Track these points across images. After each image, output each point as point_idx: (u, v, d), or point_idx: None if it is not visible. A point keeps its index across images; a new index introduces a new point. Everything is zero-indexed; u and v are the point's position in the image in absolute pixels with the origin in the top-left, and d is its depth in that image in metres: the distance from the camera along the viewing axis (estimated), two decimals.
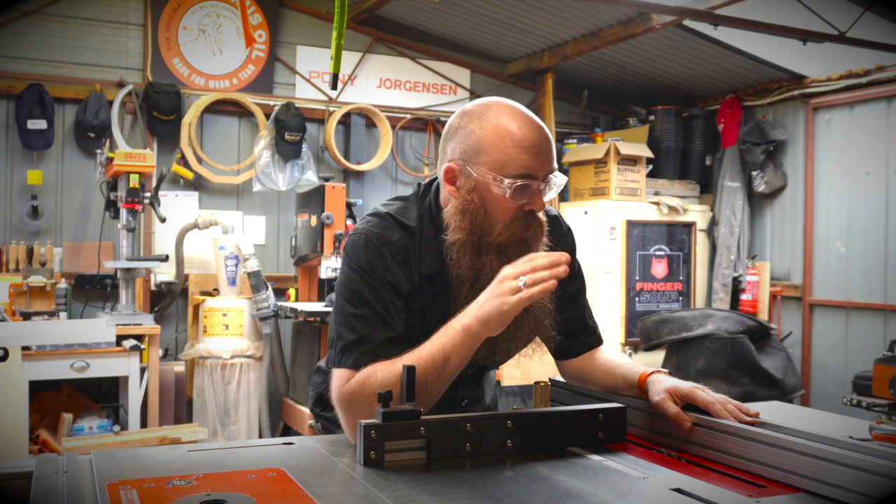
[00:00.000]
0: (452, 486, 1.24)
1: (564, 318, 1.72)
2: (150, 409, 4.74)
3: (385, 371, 1.49)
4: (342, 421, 1.54)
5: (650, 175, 6.22)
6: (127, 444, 3.91)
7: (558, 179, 1.56)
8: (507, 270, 1.45)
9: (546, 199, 1.57)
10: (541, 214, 1.60)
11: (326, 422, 1.96)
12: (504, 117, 1.53)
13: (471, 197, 1.55)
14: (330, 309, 2.08)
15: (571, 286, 1.79)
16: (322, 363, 2.00)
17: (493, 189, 1.52)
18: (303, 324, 5.06)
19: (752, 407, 1.53)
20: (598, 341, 1.83)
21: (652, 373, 1.62)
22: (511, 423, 1.45)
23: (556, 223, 1.82)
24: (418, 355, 1.48)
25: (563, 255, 1.46)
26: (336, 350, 1.56)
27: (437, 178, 1.68)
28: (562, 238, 1.81)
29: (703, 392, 1.53)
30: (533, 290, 1.42)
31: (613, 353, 1.80)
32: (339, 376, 1.54)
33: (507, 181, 1.51)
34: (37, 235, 5.29)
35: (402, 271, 1.59)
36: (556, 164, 1.57)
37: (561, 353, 1.82)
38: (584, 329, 1.83)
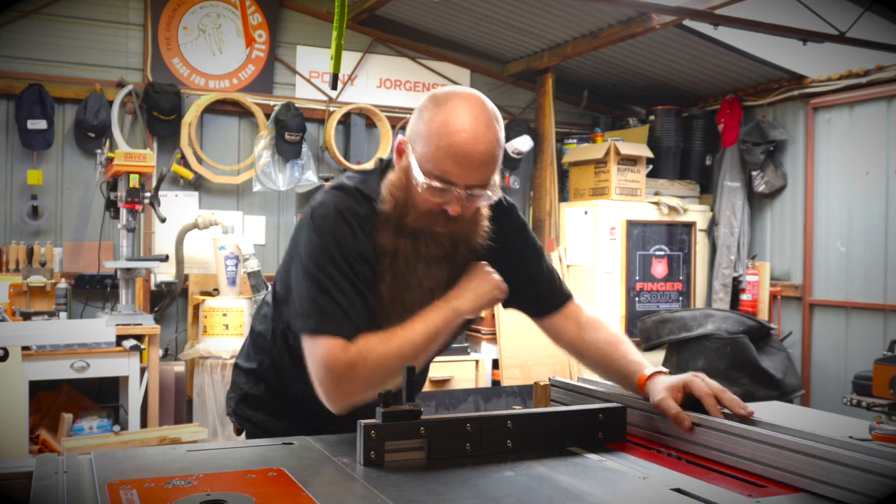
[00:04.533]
0: (452, 486, 1.24)
1: (533, 279, 1.83)
2: (150, 409, 4.74)
3: (384, 346, 1.52)
4: (335, 389, 1.52)
5: (650, 175, 6.22)
6: (127, 444, 3.91)
7: (485, 194, 1.54)
8: (488, 268, 1.63)
9: (470, 207, 1.56)
10: (477, 217, 1.61)
11: (251, 425, 1.89)
12: (453, 117, 1.50)
13: (402, 175, 1.58)
14: None
15: (531, 253, 1.86)
16: (241, 361, 1.94)
17: (416, 174, 1.54)
18: None
19: (752, 407, 1.53)
20: (568, 296, 1.89)
21: (652, 375, 1.63)
22: (511, 423, 1.45)
23: (499, 205, 1.76)
24: (413, 334, 1.54)
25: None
26: (318, 319, 1.52)
27: None
28: (504, 218, 1.79)
29: (700, 381, 1.55)
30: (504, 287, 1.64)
31: (611, 334, 1.82)
32: (330, 346, 1.50)
33: (422, 177, 1.52)
34: (37, 235, 5.29)
35: (370, 242, 1.59)
36: (489, 180, 1.53)
37: (536, 312, 1.89)
38: (552, 286, 1.88)
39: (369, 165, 1.84)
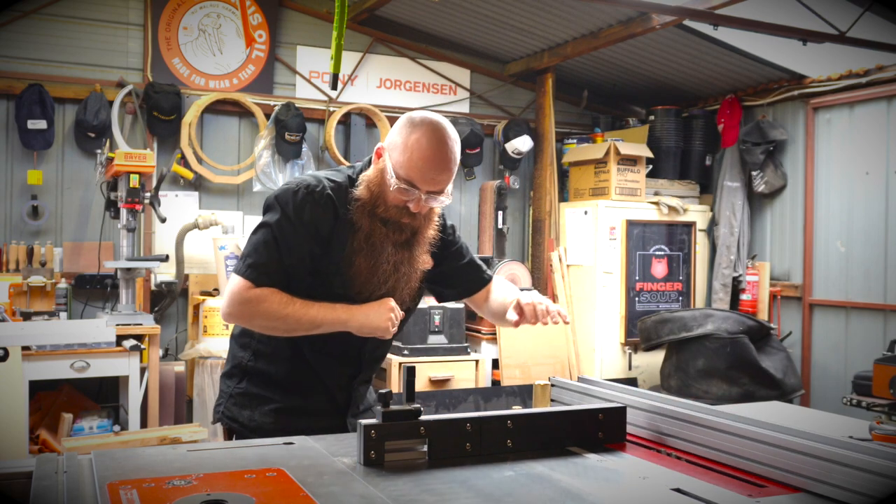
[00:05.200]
0: (452, 486, 1.24)
1: (460, 266, 2.25)
2: (150, 409, 4.74)
3: (278, 306, 1.90)
4: (228, 311, 1.94)
5: (650, 175, 6.22)
6: (127, 444, 3.91)
7: (439, 199, 1.96)
8: (393, 304, 1.96)
9: (427, 206, 1.97)
10: (431, 214, 2.03)
11: (238, 425, 2.05)
12: (424, 138, 1.91)
13: (378, 174, 1.97)
14: None
15: (459, 253, 2.27)
16: (225, 368, 2.17)
17: (389, 177, 1.94)
18: None
19: (751, 407, 1.53)
20: (489, 277, 2.32)
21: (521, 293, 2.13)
22: (511, 423, 1.45)
23: (443, 220, 2.22)
24: (304, 314, 1.92)
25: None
26: (243, 263, 1.94)
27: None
28: (444, 228, 2.22)
29: (527, 295, 2.07)
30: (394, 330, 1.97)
31: (502, 285, 2.32)
32: (238, 283, 1.92)
33: (394, 180, 1.92)
34: (37, 235, 5.29)
35: (323, 213, 1.95)
36: (444, 189, 1.95)
37: (467, 293, 2.30)
38: (477, 270, 2.30)
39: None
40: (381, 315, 1.94)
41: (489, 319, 2.34)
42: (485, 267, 2.36)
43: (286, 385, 2.05)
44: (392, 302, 1.96)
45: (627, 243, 5.90)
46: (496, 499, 1.19)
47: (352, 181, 2.02)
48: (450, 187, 1.98)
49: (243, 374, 2.08)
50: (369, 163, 2.06)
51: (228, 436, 2.09)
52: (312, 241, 1.94)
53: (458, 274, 2.26)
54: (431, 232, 2.07)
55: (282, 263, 1.93)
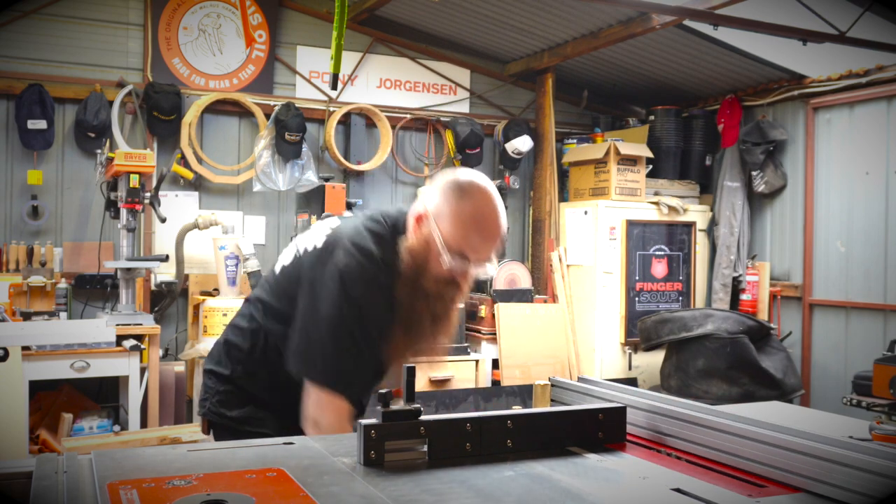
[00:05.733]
0: (452, 486, 1.24)
1: None
2: (150, 409, 4.74)
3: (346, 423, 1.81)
4: (324, 426, 1.80)
5: (650, 175, 6.22)
6: (127, 444, 3.91)
7: (488, 268, 1.89)
8: None
9: (477, 277, 1.92)
10: (465, 285, 1.93)
11: (230, 420, 2.02)
12: (477, 208, 1.83)
13: (422, 244, 1.86)
14: None
15: None
16: (215, 368, 2.08)
17: (438, 250, 1.83)
18: None
19: (751, 407, 1.53)
20: None
21: None
22: (511, 423, 1.45)
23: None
24: None
25: None
26: (333, 376, 1.82)
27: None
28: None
29: None
30: None
31: None
32: (339, 406, 1.82)
33: (446, 253, 1.82)
34: (37, 235, 5.29)
35: (384, 301, 1.86)
36: (493, 256, 1.89)
37: None
38: None
39: (363, 218, 2.07)
40: None
41: None
42: None
43: (271, 408, 2.03)
44: None
45: (627, 243, 5.90)
46: (496, 499, 1.19)
47: (394, 245, 1.90)
48: (495, 259, 1.93)
49: (231, 382, 2.05)
50: (402, 223, 1.94)
51: (209, 429, 2.10)
52: (375, 325, 1.86)
53: None
54: (466, 295, 2.01)
55: (358, 363, 1.85)
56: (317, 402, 1.82)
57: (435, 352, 1.98)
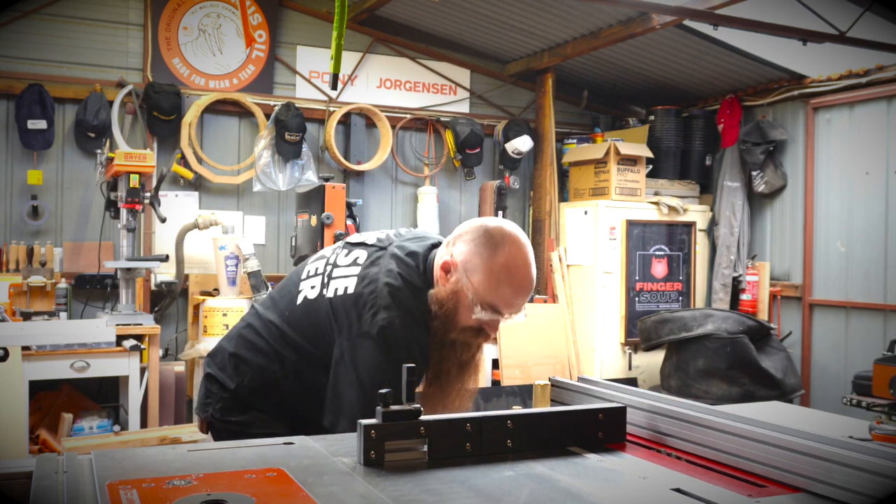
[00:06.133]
0: (452, 486, 1.24)
1: None
2: (150, 409, 4.74)
3: None
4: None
5: (650, 175, 6.22)
6: (127, 444, 3.91)
7: (518, 317, 1.87)
8: None
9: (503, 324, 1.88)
10: (493, 334, 1.90)
11: (234, 425, 1.99)
12: (511, 260, 1.79)
13: (451, 293, 1.82)
14: None
15: None
16: (219, 374, 2.04)
17: (468, 302, 1.81)
18: None
19: (751, 407, 1.53)
20: None
21: None
22: (511, 423, 1.45)
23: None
24: None
25: None
26: (351, 408, 1.77)
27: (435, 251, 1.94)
28: None
29: None
30: None
31: None
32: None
33: (479, 307, 1.80)
34: (37, 235, 5.29)
35: (422, 352, 1.84)
36: (524, 306, 1.86)
37: None
38: None
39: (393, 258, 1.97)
40: None
41: None
42: None
43: (276, 416, 1.99)
44: None
45: (627, 243, 5.90)
46: (496, 499, 1.18)
47: (426, 289, 1.86)
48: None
49: (233, 394, 2.01)
50: (430, 266, 1.90)
51: (207, 430, 2.09)
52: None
53: None
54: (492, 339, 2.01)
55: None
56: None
57: (463, 399, 1.93)
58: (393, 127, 6.17)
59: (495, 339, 1.96)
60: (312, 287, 1.94)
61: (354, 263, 1.91)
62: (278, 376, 1.94)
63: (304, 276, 2.00)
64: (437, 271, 1.86)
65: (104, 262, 5.12)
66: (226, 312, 5.08)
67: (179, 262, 5.46)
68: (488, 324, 1.84)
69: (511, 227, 1.85)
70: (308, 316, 1.91)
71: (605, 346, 5.88)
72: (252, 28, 5.87)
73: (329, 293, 1.88)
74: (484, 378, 5.58)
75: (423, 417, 1.37)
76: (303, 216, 5.50)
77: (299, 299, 1.95)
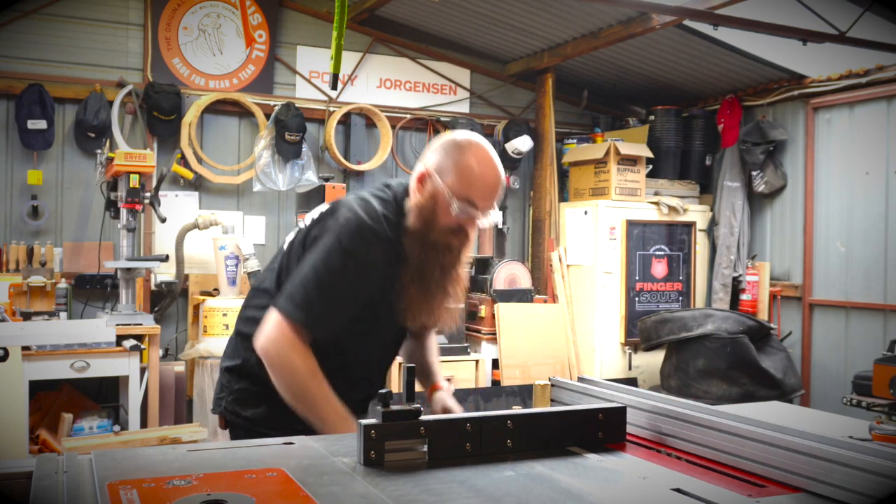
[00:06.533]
0: (452, 486, 1.24)
1: None
2: (150, 409, 4.74)
3: (305, 372, 1.87)
4: (263, 348, 1.88)
5: (650, 175, 6.22)
6: (127, 444, 3.91)
7: (493, 216, 1.99)
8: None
9: (481, 225, 1.99)
10: (471, 233, 2.01)
11: (244, 420, 2.04)
12: (478, 158, 1.93)
13: (428, 197, 1.95)
14: None
15: None
16: (226, 362, 2.13)
17: (445, 201, 1.93)
18: None
19: (751, 407, 1.53)
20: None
21: (436, 387, 2.24)
22: (511, 423, 1.45)
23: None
24: (317, 397, 1.88)
25: None
26: (297, 301, 1.87)
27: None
28: None
29: (448, 405, 2.18)
30: None
31: (433, 342, 2.34)
32: (286, 326, 1.87)
33: (455, 202, 1.91)
34: (37, 235, 5.29)
35: (383, 257, 1.94)
36: (496, 204, 1.99)
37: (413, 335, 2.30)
38: None
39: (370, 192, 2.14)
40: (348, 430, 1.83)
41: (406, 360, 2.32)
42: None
43: (286, 404, 1.99)
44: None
45: (627, 243, 5.90)
46: (496, 499, 1.19)
47: (398, 207, 2.00)
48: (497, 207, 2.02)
49: (246, 375, 2.05)
50: (403, 189, 2.04)
51: (225, 426, 2.09)
52: (371, 284, 1.94)
53: None
54: (471, 248, 2.10)
55: (335, 314, 1.91)
56: (273, 322, 1.88)
57: (449, 314, 2.06)
58: (393, 127, 6.17)
59: (471, 241, 2.04)
60: (293, 232, 2.12)
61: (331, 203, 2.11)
62: None
63: (286, 242, 2.13)
64: (413, 185, 1.99)
65: (104, 262, 5.12)
66: (226, 312, 5.08)
67: (179, 262, 5.46)
68: (466, 221, 1.94)
69: (476, 135, 2.00)
70: (290, 257, 2.03)
71: (605, 346, 5.88)
72: (252, 28, 5.87)
73: (305, 225, 2.07)
74: (484, 378, 5.59)
75: (423, 417, 1.37)
76: (303, 216, 5.49)
77: (285, 246, 2.10)
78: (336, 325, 1.92)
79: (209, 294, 5.42)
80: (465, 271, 2.08)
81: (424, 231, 1.95)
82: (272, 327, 1.88)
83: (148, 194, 4.93)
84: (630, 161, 5.99)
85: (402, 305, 1.99)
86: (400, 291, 1.97)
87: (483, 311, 5.76)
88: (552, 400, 1.83)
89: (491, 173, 1.94)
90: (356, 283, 1.91)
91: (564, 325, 5.89)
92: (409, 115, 6.30)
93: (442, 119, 6.39)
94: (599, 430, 1.53)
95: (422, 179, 1.97)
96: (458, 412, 2.01)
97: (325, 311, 1.89)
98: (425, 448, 1.37)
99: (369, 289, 1.95)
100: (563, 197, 6.47)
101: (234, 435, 2.07)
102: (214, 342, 5.04)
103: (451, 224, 1.95)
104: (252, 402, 2.03)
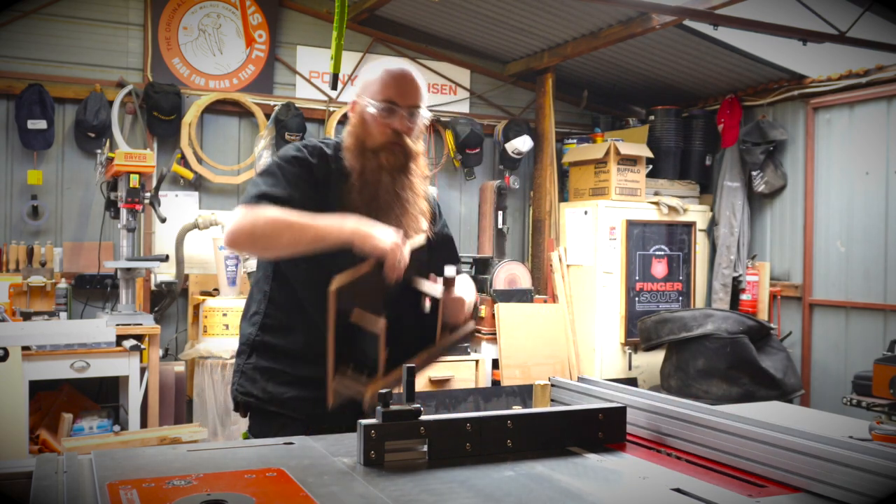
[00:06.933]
0: (452, 486, 1.24)
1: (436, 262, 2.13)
2: (150, 409, 4.74)
3: (280, 212, 1.88)
4: (227, 236, 1.92)
5: (650, 175, 6.22)
6: (127, 444, 3.91)
7: (419, 113, 2.05)
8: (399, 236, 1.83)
9: (412, 124, 2.04)
10: (410, 140, 2.06)
11: (254, 400, 2.04)
12: (389, 67, 2.06)
13: (358, 117, 2.06)
14: None
15: (451, 258, 2.25)
16: (237, 350, 2.15)
17: (369, 109, 2.02)
18: None
19: (751, 407, 1.53)
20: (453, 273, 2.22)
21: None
22: (511, 423, 1.45)
23: (438, 213, 2.31)
24: (309, 217, 1.86)
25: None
26: (247, 196, 1.97)
27: None
28: (439, 223, 2.28)
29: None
30: (399, 265, 1.80)
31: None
32: (239, 208, 1.94)
33: (375, 103, 2.01)
34: (37, 235, 5.29)
35: (320, 162, 2.04)
36: (420, 103, 2.05)
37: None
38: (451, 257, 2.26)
39: None
40: (387, 232, 1.82)
41: None
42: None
43: (295, 356, 2.04)
44: (399, 235, 1.86)
45: (627, 243, 5.90)
46: (496, 499, 1.19)
47: (338, 142, 2.11)
48: (425, 109, 2.09)
49: (252, 350, 2.08)
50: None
51: (245, 412, 2.09)
52: (308, 184, 1.99)
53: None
54: (424, 168, 2.14)
55: (286, 191, 1.96)
56: (234, 215, 1.94)
57: (405, 220, 2.04)
58: None
59: (407, 133, 2.06)
60: None
61: None
62: (274, 294, 2.08)
63: None
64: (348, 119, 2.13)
65: (104, 262, 5.12)
66: (226, 312, 5.08)
67: (179, 262, 5.46)
68: (392, 120, 2.01)
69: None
70: None
71: (605, 346, 5.88)
72: (252, 28, 5.87)
73: None
74: (484, 378, 5.59)
75: (423, 417, 1.37)
76: None
77: None
78: (289, 199, 1.93)
79: (209, 294, 5.42)
80: (421, 183, 2.11)
81: (360, 144, 2.03)
82: (232, 221, 1.92)
83: (148, 194, 4.93)
84: (630, 161, 5.99)
85: (352, 205, 1.99)
86: (347, 201, 1.99)
87: (483, 311, 5.76)
88: (552, 400, 1.83)
89: (402, 73, 2.05)
90: (292, 174, 1.99)
91: (564, 325, 5.89)
92: None
93: (442, 119, 6.39)
94: (599, 430, 1.53)
95: (352, 107, 2.09)
96: (473, 298, 1.98)
97: (272, 188, 1.95)
98: (425, 448, 1.37)
99: (307, 186, 1.99)
100: (563, 197, 6.47)
101: (252, 420, 2.08)
102: (214, 342, 5.05)
103: (381, 128, 2.02)
104: (260, 378, 2.05)
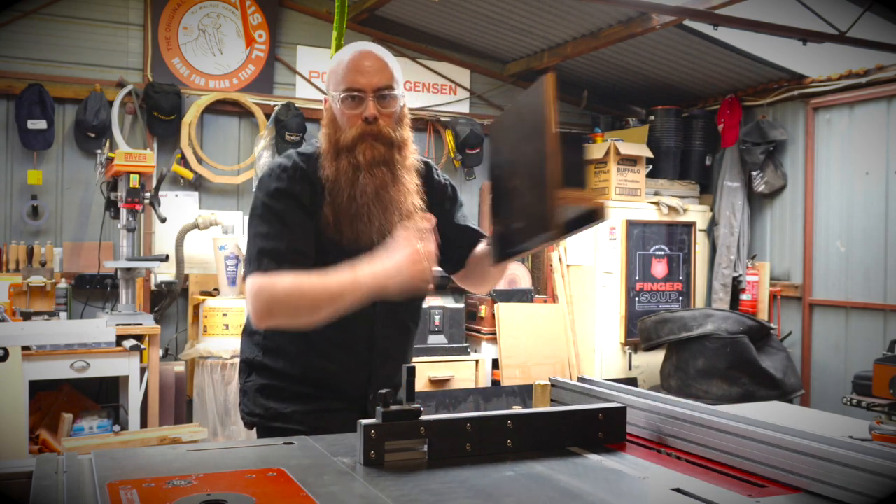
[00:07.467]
0: (452, 486, 1.24)
1: (461, 232, 2.09)
2: (150, 409, 4.74)
3: (291, 280, 1.78)
4: (253, 316, 1.81)
5: (650, 175, 6.22)
6: (127, 444, 3.91)
7: (391, 95, 1.88)
8: (415, 249, 1.70)
9: (385, 109, 1.88)
10: (387, 128, 1.89)
11: (258, 418, 2.00)
12: (347, 51, 1.89)
13: (330, 114, 1.93)
14: None
15: (453, 205, 2.14)
16: (240, 363, 2.11)
17: (335, 104, 1.89)
18: None
19: (751, 407, 1.53)
20: (481, 235, 2.09)
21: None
22: (511, 423, 1.45)
23: (429, 170, 2.12)
24: (321, 278, 1.76)
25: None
26: (251, 257, 1.85)
27: None
28: (431, 181, 2.11)
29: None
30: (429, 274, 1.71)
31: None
32: (251, 281, 1.82)
33: (338, 95, 1.87)
34: (37, 235, 5.29)
35: (302, 186, 1.89)
36: (390, 83, 1.88)
37: (464, 262, 2.10)
38: (477, 234, 2.10)
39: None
40: (403, 251, 1.70)
41: (473, 283, 2.14)
42: (475, 226, 2.16)
43: (294, 378, 1.98)
44: (408, 237, 1.74)
45: (627, 243, 5.90)
46: (496, 499, 1.19)
47: (316, 149, 1.98)
48: (398, 87, 1.91)
49: (251, 369, 2.04)
50: None
51: (250, 429, 2.06)
52: (298, 210, 1.87)
53: (451, 236, 2.04)
54: (413, 156, 1.97)
55: (288, 243, 1.84)
56: (248, 290, 1.84)
57: (408, 208, 1.94)
58: None
59: (376, 118, 1.87)
60: None
61: None
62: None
63: None
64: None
65: (104, 262, 5.12)
66: (226, 312, 5.08)
67: (179, 262, 5.46)
68: (361, 107, 1.86)
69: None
70: None
71: (605, 346, 5.88)
72: (252, 28, 5.87)
73: None
74: (484, 378, 5.59)
75: (423, 417, 1.37)
76: None
77: None
78: (292, 257, 1.83)
79: (209, 294, 5.42)
80: (409, 175, 1.95)
81: (334, 145, 1.89)
82: (248, 296, 1.84)
83: (148, 194, 4.93)
84: (630, 161, 5.99)
85: (332, 220, 1.88)
86: (326, 209, 1.88)
87: (483, 311, 5.76)
88: (552, 400, 1.83)
89: (361, 54, 1.88)
90: (287, 213, 1.86)
91: (564, 325, 5.89)
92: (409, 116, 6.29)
93: (442, 119, 6.39)
94: (599, 430, 1.53)
95: (325, 106, 1.97)
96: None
97: (275, 246, 1.83)
98: (425, 448, 1.37)
99: (303, 217, 1.87)
100: None
101: (257, 436, 2.03)
102: (214, 342, 5.05)
103: (352, 121, 1.87)
104: (263, 395, 2.01)
